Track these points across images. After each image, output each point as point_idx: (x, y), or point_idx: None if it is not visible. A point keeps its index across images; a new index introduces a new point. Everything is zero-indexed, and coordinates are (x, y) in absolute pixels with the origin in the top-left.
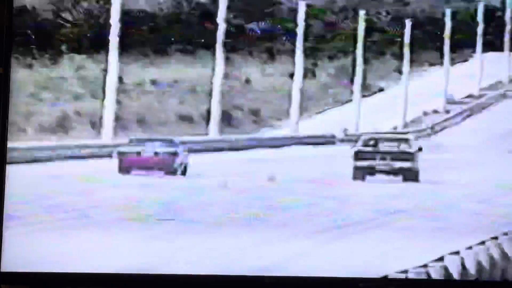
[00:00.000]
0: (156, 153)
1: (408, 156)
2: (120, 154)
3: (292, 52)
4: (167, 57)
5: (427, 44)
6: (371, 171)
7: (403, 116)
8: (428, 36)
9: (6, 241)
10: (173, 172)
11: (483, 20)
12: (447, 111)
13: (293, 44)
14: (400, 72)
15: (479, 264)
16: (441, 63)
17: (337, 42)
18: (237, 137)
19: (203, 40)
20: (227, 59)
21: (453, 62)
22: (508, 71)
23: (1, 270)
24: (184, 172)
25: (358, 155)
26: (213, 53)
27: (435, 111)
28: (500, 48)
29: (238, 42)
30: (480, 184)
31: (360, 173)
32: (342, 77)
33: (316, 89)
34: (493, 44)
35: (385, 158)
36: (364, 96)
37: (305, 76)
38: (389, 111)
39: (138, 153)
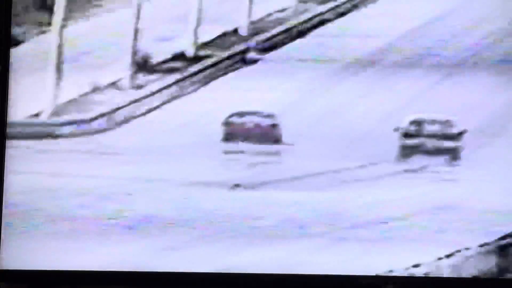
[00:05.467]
0: (257, 125)
1: (453, 136)
2: (226, 124)
3: None
4: None
5: None
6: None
7: (53, 99)
8: None
9: (5, 239)
10: (273, 141)
11: None
12: (139, 87)
13: None
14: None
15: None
16: None
17: None
18: None
19: None
20: None
21: None
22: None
23: None
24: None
25: (406, 135)
26: None
27: (115, 86)
28: None
29: None
30: None
31: (408, 152)
32: None
33: None
34: None
35: (432, 138)
36: None
37: None
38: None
39: (242, 124)
